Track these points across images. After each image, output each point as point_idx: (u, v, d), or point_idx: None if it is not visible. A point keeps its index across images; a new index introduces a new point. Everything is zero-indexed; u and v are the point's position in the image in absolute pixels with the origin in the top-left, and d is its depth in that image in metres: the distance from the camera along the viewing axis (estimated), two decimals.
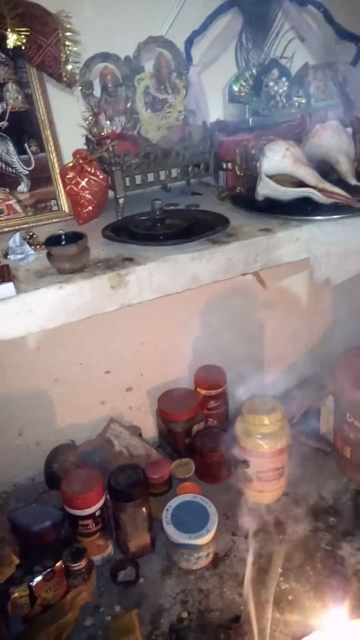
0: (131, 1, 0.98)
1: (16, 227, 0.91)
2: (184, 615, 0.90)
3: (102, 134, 0.92)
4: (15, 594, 0.85)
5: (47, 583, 0.87)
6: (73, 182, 0.89)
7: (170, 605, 0.91)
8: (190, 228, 0.82)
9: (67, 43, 0.85)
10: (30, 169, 0.92)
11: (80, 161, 0.88)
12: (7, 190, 0.91)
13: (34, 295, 0.68)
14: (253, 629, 0.85)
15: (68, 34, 0.85)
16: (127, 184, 0.92)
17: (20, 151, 0.91)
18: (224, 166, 1.00)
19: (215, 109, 1.11)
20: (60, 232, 0.74)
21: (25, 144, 0.91)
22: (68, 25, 0.85)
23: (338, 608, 0.87)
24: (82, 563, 0.90)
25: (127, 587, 0.95)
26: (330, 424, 1.18)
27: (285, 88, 1.05)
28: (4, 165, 0.90)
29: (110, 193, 0.92)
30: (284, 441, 1.04)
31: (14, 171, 0.91)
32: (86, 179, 0.89)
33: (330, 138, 0.88)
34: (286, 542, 1.01)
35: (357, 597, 0.90)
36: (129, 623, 0.86)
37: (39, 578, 0.86)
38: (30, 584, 0.86)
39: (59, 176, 0.92)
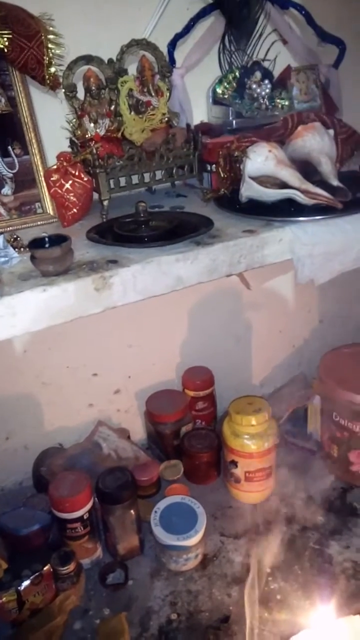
0: (114, 4, 0.98)
1: (0, 230, 0.90)
2: (173, 617, 0.90)
3: (86, 136, 0.92)
4: (3, 599, 0.84)
5: (36, 587, 0.87)
6: (57, 184, 0.89)
7: (159, 607, 0.91)
8: (174, 230, 0.82)
9: (50, 46, 0.85)
10: (14, 171, 0.92)
11: (65, 164, 0.88)
12: None
13: (17, 298, 0.67)
14: (242, 629, 0.85)
15: (51, 36, 0.85)
16: (112, 186, 0.92)
17: (4, 154, 0.90)
18: (208, 168, 1.00)
19: (199, 111, 1.12)
20: (44, 234, 0.73)
21: (9, 147, 0.90)
22: (51, 28, 0.86)
23: (326, 606, 0.88)
24: (71, 566, 0.90)
25: (116, 590, 0.94)
26: (318, 423, 1.19)
27: (268, 90, 1.06)
28: None
29: (95, 195, 0.92)
30: (271, 441, 1.05)
31: None
32: (70, 182, 0.89)
33: (312, 139, 0.88)
34: (274, 542, 1.01)
35: (344, 595, 0.90)
36: (118, 626, 0.86)
37: (27, 582, 0.86)
38: (18, 588, 0.85)
39: (43, 179, 0.92)
